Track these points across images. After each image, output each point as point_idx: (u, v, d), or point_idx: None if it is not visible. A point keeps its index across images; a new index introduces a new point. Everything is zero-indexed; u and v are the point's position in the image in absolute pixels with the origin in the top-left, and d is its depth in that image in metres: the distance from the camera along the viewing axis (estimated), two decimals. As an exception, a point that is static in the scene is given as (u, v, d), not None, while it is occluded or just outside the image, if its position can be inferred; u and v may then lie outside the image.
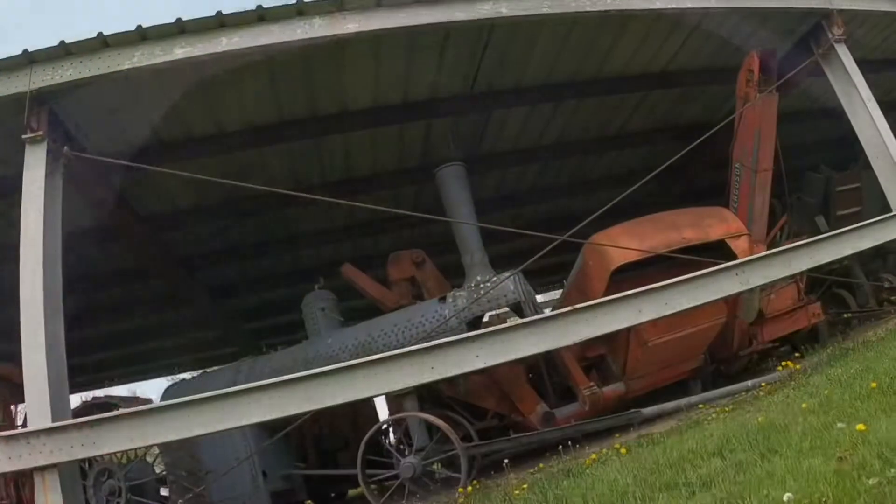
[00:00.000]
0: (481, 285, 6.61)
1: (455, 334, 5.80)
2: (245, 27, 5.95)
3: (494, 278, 6.64)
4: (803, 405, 4.76)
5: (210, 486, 6.66)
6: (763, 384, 6.58)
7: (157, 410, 5.28)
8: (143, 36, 5.83)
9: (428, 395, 7.89)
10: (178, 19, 5.88)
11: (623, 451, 5.44)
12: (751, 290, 7.26)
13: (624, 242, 6.65)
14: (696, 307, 6.61)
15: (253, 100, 7.03)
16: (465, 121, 8.29)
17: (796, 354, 7.66)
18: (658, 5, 6.67)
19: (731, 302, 8.34)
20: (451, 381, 7.67)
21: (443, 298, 6.76)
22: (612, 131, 9.72)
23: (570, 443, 6.10)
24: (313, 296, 7.50)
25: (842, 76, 7.87)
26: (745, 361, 8.61)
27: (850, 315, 10.63)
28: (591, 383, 7.38)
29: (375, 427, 6.05)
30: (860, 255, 10.56)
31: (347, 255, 10.51)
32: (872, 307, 9.77)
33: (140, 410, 5.25)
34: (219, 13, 5.88)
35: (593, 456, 5.68)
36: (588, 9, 6.54)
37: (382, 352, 5.51)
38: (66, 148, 6.03)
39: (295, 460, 7.40)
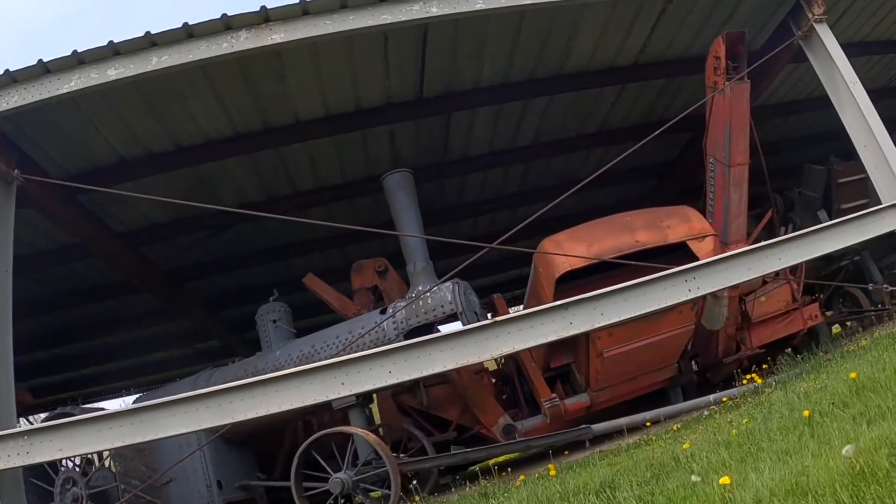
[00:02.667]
0: (421, 295, 6.43)
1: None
2: (175, 44, 6.01)
3: (434, 288, 6.45)
4: (734, 431, 4.42)
5: (164, 495, 6.81)
6: (725, 399, 6.13)
7: (84, 422, 5.39)
8: (79, 60, 5.99)
9: (391, 406, 7.84)
10: (111, 41, 6.01)
11: (553, 472, 5.20)
12: (714, 296, 6.78)
13: (570, 247, 6.33)
14: (657, 314, 6.29)
15: (202, 114, 7.11)
16: (425, 124, 8.12)
17: (764, 366, 7.07)
18: (599, -7, 6.31)
19: (728, 305, 7.86)
20: (412, 391, 7.62)
21: (384, 309, 6.63)
22: (593, 128, 9.31)
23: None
24: (266, 308, 7.53)
25: (824, 58, 7.24)
26: (732, 368, 8.04)
27: (851, 316, 9.83)
28: (553, 395, 7.09)
29: (308, 441, 5.99)
30: (874, 249, 9.77)
31: (337, 262, 10.58)
32: (887, 305, 8.97)
33: (69, 422, 5.40)
34: (148, 33, 5.96)
35: (522, 478, 5.45)
36: (524, 1, 6.26)
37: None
38: (16, 171, 6.29)
39: (256, 470, 7.45)
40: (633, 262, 5.86)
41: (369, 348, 6.18)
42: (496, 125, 8.58)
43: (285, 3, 6.01)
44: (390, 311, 6.54)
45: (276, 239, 9.63)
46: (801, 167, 9.73)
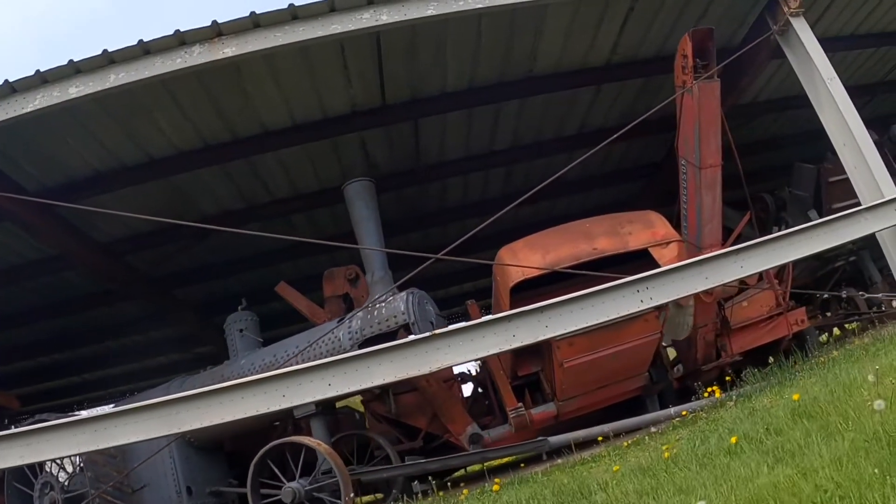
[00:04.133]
0: (376, 305, 6.41)
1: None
2: (132, 61, 6.12)
3: (389, 298, 6.43)
4: (666, 454, 4.30)
5: (138, 501, 6.98)
6: (684, 412, 5.95)
7: (44, 430, 5.52)
8: (43, 79, 6.16)
9: (361, 414, 7.86)
10: (71, 60, 6.16)
11: (496, 488, 5.14)
12: (678, 305, 6.57)
13: (525, 256, 6.21)
14: (620, 323, 6.14)
15: (170, 127, 7.23)
16: (395, 130, 8.08)
17: (727, 378, 6.82)
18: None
19: (698, 311, 7.64)
20: (381, 399, 7.63)
21: (342, 319, 6.63)
22: (572, 130, 9.13)
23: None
24: (233, 317, 7.63)
25: (801, 54, 6.95)
26: (713, 376, 7.81)
27: (848, 319, 9.43)
28: (519, 404, 6.99)
29: (264, 449, 6.04)
30: (873, 248, 9.33)
31: (327, 266, 10.64)
32: (886, 307, 8.57)
33: (30, 430, 5.56)
34: (105, 51, 6.09)
35: (465, 492, 5.40)
36: (476, 6, 6.17)
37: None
38: (-14, 187, 6.51)
39: (229, 476, 7.56)
40: (583, 272, 5.72)
41: (328, 356, 6.23)
42: (469, 130, 8.49)
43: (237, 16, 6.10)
44: (346, 321, 6.54)
45: (263, 245, 9.73)
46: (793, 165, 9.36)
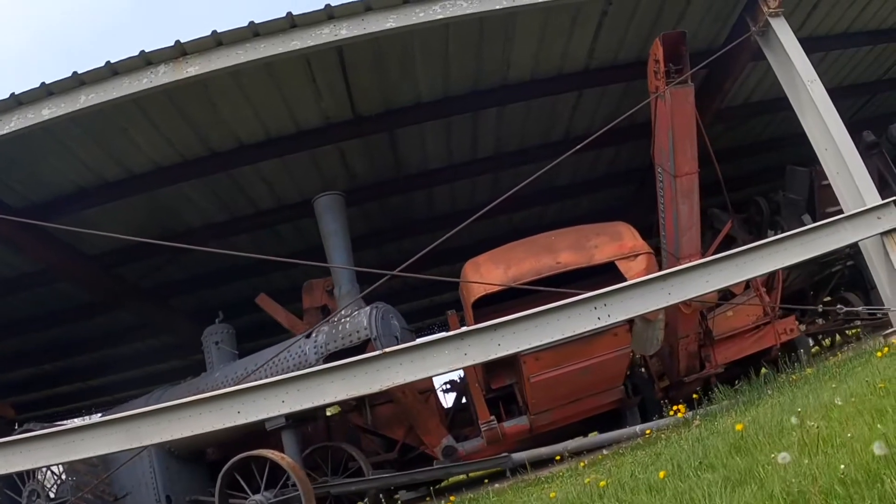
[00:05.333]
0: (340, 320, 6.42)
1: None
2: (100, 82, 6.25)
3: (354, 313, 6.43)
4: (602, 483, 4.21)
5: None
6: (648, 430, 5.81)
7: (15, 442, 5.69)
8: (18, 101, 6.33)
9: (337, 425, 7.90)
10: (43, 83, 6.31)
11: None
12: (645, 319, 6.40)
13: (487, 270, 6.14)
14: (588, 338, 6.04)
15: (146, 144, 7.35)
16: (373, 141, 8.07)
17: (694, 395, 6.63)
18: (505, 3, 6.07)
19: (679, 323, 7.47)
20: (359, 410, 7.65)
21: (309, 334, 6.66)
22: (558, 136, 8.99)
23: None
24: (210, 330, 7.73)
25: (780, 55, 6.70)
26: (694, 387, 7.61)
27: (843, 326, 9.08)
28: (492, 418, 6.93)
29: (230, 462, 6.12)
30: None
31: (320, 275, 10.71)
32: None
33: (6, 441, 5.75)
34: (75, 73, 6.22)
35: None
36: (437, 17, 6.12)
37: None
38: (-35, 206, 6.73)
39: (210, 485, 7.67)
40: (541, 289, 5.63)
41: (295, 370, 6.27)
42: (449, 139, 8.44)
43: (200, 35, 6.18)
44: (313, 335, 6.56)
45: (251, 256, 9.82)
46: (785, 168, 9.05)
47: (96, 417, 8.63)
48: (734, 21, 7.41)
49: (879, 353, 5.63)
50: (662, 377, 8.31)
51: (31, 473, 7.44)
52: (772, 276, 8.07)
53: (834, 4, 7.86)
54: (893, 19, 8.39)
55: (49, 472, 7.48)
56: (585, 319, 5.38)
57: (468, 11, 6.23)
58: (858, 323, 8.96)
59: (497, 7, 6.25)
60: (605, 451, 5.60)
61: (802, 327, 9.78)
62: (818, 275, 9.12)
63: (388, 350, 5.27)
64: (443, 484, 8.36)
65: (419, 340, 5.36)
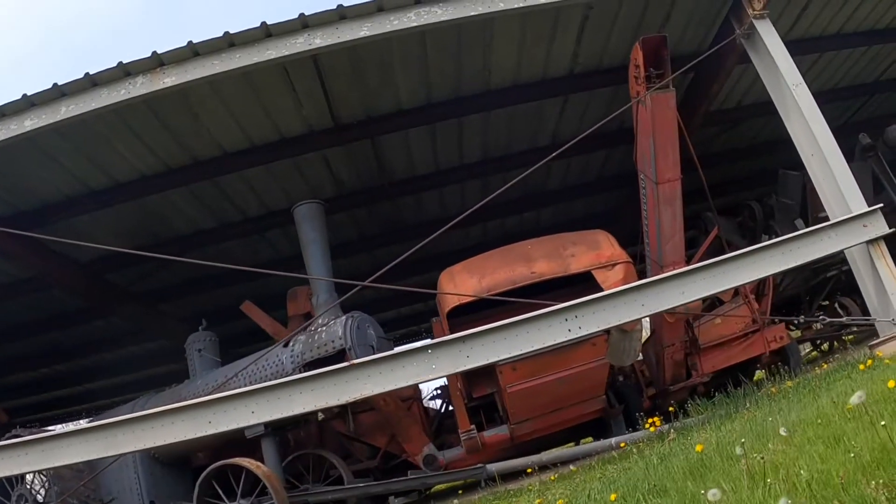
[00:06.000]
0: (317, 330, 6.41)
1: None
2: (80, 94, 6.29)
3: (330, 322, 6.41)
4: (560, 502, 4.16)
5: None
6: (622, 444, 5.72)
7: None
8: (1, 113, 6.40)
9: (319, 432, 7.90)
10: (25, 95, 6.37)
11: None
12: (621, 330, 6.30)
13: (463, 280, 6.09)
14: (565, 349, 5.97)
15: (130, 153, 7.39)
16: (357, 148, 8.05)
17: (670, 409, 6.51)
18: (481, 10, 6.01)
19: (664, 331, 7.37)
20: (342, 417, 7.64)
21: (287, 342, 6.67)
22: (545, 140, 8.89)
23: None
24: (193, 337, 7.77)
25: (766, 58, 6.55)
26: (681, 396, 7.50)
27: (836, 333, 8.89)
28: (472, 427, 6.89)
29: (207, 470, 6.14)
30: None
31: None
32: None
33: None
34: (55, 84, 6.27)
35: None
36: (412, 24, 6.08)
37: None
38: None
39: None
40: (511, 299, 5.56)
41: (272, 379, 6.28)
42: (434, 145, 8.39)
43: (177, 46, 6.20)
44: (291, 344, 6.57)
45: (242, 261, 9.86)
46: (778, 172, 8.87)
47: (82, 423, 8.75)
48: (720, 24, 7.27)
49: (862, 366, 5.50)
50: (651, 385, 8.20)
51: (19, 478, 7.55)
52: (762, 282, 7.93)
53: (825, 5, 7.68)
54: (888, 19, 8.18)
55: (37, 477, 7.59)
56: (556, 331, 5.31)
57: (443, 18, 6.18)
58: (855, 329, 8.77)
59: (473, 13, 6.19)
60: (572, 467, 5.52)
61: (797, 333, 9.63)
62: (813, 280, 8.94)
63: (356, 361, 5.25)
64: (434, 489, 8.35)
65: (387, 352, 5.33)
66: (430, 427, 7.94)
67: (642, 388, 8.03)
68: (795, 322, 9.73)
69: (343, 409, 7.27)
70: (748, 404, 5.59)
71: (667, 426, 5.59)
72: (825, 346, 10.22)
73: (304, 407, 5.24)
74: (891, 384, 3.75)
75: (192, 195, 8.30)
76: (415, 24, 6.15)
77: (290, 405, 5.23)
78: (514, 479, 5.68)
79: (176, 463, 7.59)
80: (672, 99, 6.44)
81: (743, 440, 3.51)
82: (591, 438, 7.81)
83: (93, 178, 7.71)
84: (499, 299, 5.73)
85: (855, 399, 2.82)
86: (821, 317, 7.09)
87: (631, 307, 5.41)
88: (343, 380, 5.24)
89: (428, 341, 5.34)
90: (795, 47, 8.11)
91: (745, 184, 10.72)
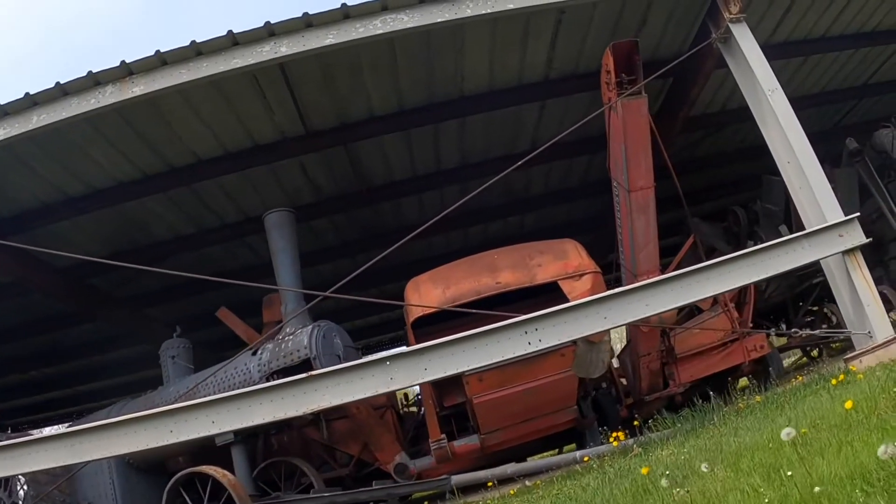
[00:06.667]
0: (284, 339, 6.39)
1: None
2: (51, 103, 6.31)
3: (298, 331, 6.38)
4: None
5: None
6: (586, 458, 5.64)
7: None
8: (-27, 123, 6.42)
9: (294, 440, 7.87)
10: (-1, 105, 6.39)
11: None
12: (588, 341, 6.21)
13: (427, 290, 6.03)
14: (532, 360, 5.90)
15: (105, 160, 7.39)
16: (332, 154, 8.01)
17: (634, 423, 6.40)
18: (447, 16, 5.94)
19: (639, 340, 7.28)
20: (315, 424, 7.62)
21: (255, 351, 6.65)
22: (525, 146, 8.77)
23: None
24: (167, 344, 7.78)
25: (741, 63, 6.42)
26: (657, 406, 7.39)
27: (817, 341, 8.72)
28: (442, 436, 6.83)
29: (175, 478, 6.15)
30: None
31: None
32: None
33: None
34: (27, 94, 6.28)
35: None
36: (378, 31, 6.03)
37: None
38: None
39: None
40: (472, 311, 5.50)
41: (240, 387, 6.27)
42: (411, 151, 8.33)
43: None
44: (258, 352, 6.55)
45: (223, 266, 9.88)
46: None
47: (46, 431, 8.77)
48: (698, 27, 7.14)
49: (834, 381, 5.38)
50: (630, 395, 8.10)
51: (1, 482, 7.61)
52: (743, 290, 7.79)
53: (809, 7, 7.52)
54: (875, 22, 8.00)
55: (17, 481, 7.64)
56: (515, 344, 5.24)
57: (409, 25, 6.12)
58: (841, 336, 8.60)
59: (440, 20, 6.13)
60: (534, 481, 5.45)
61: (783, 340, 9.48)
62: (799, 286, 8.79)
63: (314, 373, 5.22)
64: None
65: (346, 364, 5.28)
66: (407, 435, 7.90)
67: (621, 397, 7.92)
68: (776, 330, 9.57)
69: (317, 416, 7.25)
70: (715, 420, 5.49)
71: (631, 441, 5.49)
72: (815, 352, 10.05)
73: (263, 417, 5.21)
74: (848, 405, 3.66)
75: (170, 201, 8.30)
76: (381, 32, 6.10)
77: (250, 415, 5.21)
78: (475, 492, 5.62)
79: (151, 469, 7.60)
80: (644, 105, 6.31)
81: (665, 472, 3.41)
82: (574, 446, 7.74)
83: (69, 185, 7.73)
84: (461, 311, 5.65)
85: (784, 436, 2.72)
86: (794, 331, 6.93)
87: (593, 320, 5.32)
88: (302, 391, 5.20)
89: (389, 352, 5.28)
90: (779, 50, 8.01)
91: (734, 188, 10.57)
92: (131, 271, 9.26)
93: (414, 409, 8.64)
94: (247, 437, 6.77)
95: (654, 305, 5.48)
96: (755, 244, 8.32)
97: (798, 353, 11.00)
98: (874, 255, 8.95)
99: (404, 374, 5.18)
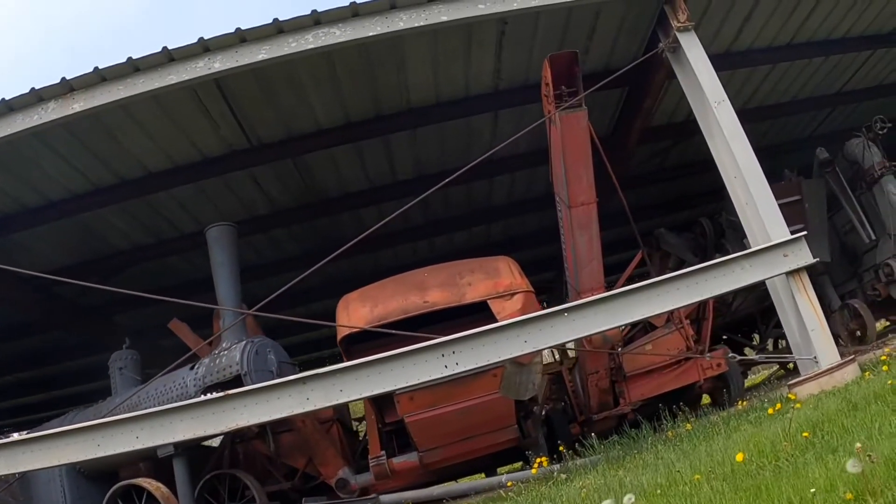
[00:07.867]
0: (220, 353, 6.37)
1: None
2: (-1, 119, 6.36)
3: (232, 346, 6.36)
4: None
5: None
6: (510, 483, 5.49)
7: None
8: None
9: (239, 452, 7.85)
10: (-51, 116, 6.45)
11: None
12: (517, 363, 6.05)
13: (355, 308, 5.94)
14: (465, 379, 5.79)
15: (58, 173, 7.44)
16: (282, 167, 7.97)
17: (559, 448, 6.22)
18: (380, 29, 5.85)
19: (586, 358, 7.12)
20: (262, 437, 7.59)
21: (193, 366, 6.64)
22: (480, 157, 8.64)
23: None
24: (115, 355, 7.81)
25: (689, 73, 6.22)
26: (606, 425, 7.21)
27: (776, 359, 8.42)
28: (381, 453, 6.74)
29: (112, 490, 6.17)
30: (834, 274, 8.35)
31: (263, 293, 10.69)
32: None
33: None
34: (-30, 109, 6.34)
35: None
36: (308, 46, 5.97)
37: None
38: None
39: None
40: (393, 332, 5.40)
41: (176, 401, 6.27)
42: (363, 163, 8.26)
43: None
44: (196, 367, 6.54)
45: (185, 275, 9.90)
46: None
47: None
48: (649, 37, 6.93)
49: (771, 410, 5.17)
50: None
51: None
52: (701, 306, 7.57)
53: (771, 14, 7.25)
54: (844, 28, 7.71)
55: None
56: (432, 367, 5.15)
57: (342, 39, 6.05)
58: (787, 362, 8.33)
59: (372, 34, 6.05)
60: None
61: (753, 354, 9.21)
62: (767, 300, 8.50)
63: (231, 392, 5.20)
64: None
65: (262, 384, 5.24)
66: (357, 449, 7.84)
67: (575, 415, 7.76)
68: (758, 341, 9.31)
69: (263, 428, 7.23)
70: (643, 448, 5.31)
71: (555, 467, 5.34)
72: (791, 364, 9.74)
73: (184, 434, 5.22)
74: (739, 457, 3.48)
75: (126, 213, 8.34)
76: (313, 46, 6.05)
77: (171, 432, 5.22)
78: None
79: (101, 477, 7.64)
80: (584, 118, 6.13)
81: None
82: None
83: (26, 196, 7.79)
84: (386, 332, 5.56)
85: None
86: (730, 355, 6.70)
87: (513, 343, 5.20)
88: (221, 409, 5.20)
89: (305, 373, 5.22)
90: (743, 58, 7.77)
91: (707, 197, 10.28)
92: (93, 280, 9.39)
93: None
94: (186, 449, 6.75)
95: (580, 328, 5.34)
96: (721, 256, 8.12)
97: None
98: (848, 267, 8.67)
99: (320, 395, 5.13)
